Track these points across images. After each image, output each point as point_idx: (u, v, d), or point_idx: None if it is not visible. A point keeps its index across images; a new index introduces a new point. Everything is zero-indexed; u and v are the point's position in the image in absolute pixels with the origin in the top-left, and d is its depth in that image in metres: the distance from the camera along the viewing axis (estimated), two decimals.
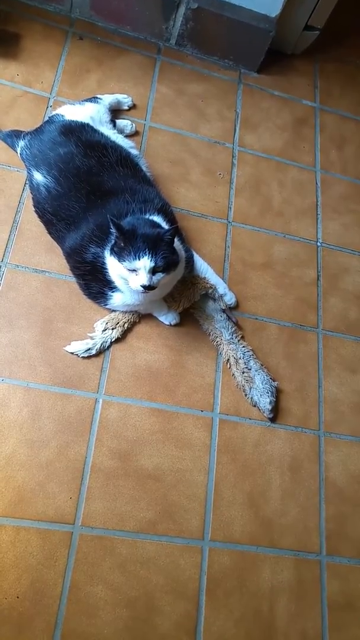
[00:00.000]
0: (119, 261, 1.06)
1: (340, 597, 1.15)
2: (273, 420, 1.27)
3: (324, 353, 1.39)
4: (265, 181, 1.59)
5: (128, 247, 1.03)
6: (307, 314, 1.43)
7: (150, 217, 1.14)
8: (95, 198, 1.17)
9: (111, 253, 1.09)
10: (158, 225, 1.11)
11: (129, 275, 1.06)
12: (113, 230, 1.05)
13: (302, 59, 1.84)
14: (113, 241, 1.09)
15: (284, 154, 1.65)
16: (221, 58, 1.73)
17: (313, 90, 1.80)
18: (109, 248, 1.11)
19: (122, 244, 1.05)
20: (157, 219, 1.15)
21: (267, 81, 1.76)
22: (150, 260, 1.03)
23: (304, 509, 1.21)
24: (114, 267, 1.09)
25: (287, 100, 1.75)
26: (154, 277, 1.06)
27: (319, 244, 1.55)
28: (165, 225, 1.14)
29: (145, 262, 1.03)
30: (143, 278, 1.04)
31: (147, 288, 1.05)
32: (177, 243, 1.16)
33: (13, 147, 1.35)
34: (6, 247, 1.28)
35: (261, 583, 1.12)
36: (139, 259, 1.03)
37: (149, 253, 1.03)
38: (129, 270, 1.05)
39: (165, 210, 1.22)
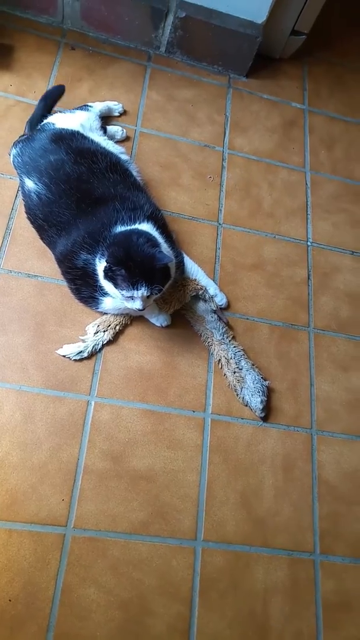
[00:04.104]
0: (116, 288, 1.09)
1: (334, 596, 1.14)
2: (265, 419, 1.27)
3: (316, 352, 1.39)
4: (256, 183, 1.60)
5: (125, 277, 1.06)
6: (298, 313, 1.43)
7: (140, 225, 1.15)
8: (85, 205, 1.18)
9: (105, 277, 1.10)
10: (151, 241, 1.10)
11: (124, 298, 1.10)
12: (109, 263, 1.06)
13: (290, 63, 1.85)
14: (107, 266, 1.08)
15: (273, 156, 1.66)
16: (210, 64, 1.75)
17: (302, 92, 1.82)
18: (99, 256, 1.12)
19: (117, 272, 1.06)
20: (146, 226, 1.16)
21: (256, 85, 1.78)
22: (146, 290, 1.07)
23: (297, 508, 1.20)
24: (109, 288, 1.11)
25: (276, 103, 1.77)
26: (149, 298, 1.10)
27: (309, 243, 1.55)
28: (155, 233, 1.15)
29: (142, 292, 1.07)
30: (139, 304, 1.09)
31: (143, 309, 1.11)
32: (166, 247, 1.17)
33: None
34: None
35: (255, 583, 1.11)
36: (137, 290, 1.06)
37: (145, 285, 1.06)
38: (126, 297, 1.09)
39: (155, 217, 1.23)
